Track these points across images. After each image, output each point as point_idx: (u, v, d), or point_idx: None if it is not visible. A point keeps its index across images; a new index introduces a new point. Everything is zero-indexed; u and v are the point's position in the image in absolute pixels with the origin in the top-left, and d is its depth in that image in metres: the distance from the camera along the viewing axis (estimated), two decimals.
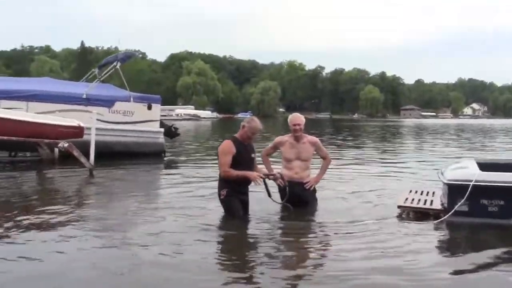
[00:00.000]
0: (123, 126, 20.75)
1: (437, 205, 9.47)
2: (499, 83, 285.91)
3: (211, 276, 6.19)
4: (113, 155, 19.02)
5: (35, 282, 5.95)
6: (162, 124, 22.22)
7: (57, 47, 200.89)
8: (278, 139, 10.17)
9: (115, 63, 21.84)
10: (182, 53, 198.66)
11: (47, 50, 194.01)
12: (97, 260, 6.63)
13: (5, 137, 14.72)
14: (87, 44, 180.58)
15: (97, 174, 15.05)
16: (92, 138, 16.12)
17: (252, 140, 9.14)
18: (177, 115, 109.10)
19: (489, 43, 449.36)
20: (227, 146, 8.78)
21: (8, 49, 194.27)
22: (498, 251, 7.30)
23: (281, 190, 9.61)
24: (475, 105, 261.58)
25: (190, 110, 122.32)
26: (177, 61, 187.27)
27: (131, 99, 21.16)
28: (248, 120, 9.05)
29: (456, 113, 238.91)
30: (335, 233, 8.20)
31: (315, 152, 10.05)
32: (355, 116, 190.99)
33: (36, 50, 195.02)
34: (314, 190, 10.06)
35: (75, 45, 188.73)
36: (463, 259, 7.12)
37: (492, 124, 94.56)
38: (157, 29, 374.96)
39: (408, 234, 8.14)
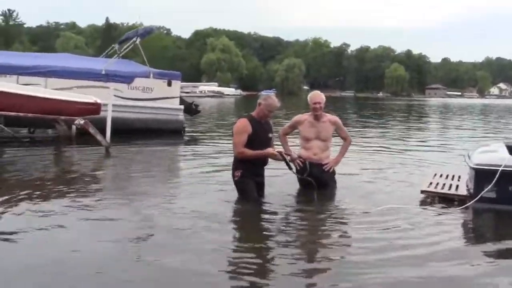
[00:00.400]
0: (142, 102, 20.47)
1: (462, 191, 9.03)
2: None
3: (219, 263, 5.88)
4: (132, 132, 18.83)
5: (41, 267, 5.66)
6: (182, 101, 21.85)
7: (82, 24, 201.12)
8: (297, 117, 9.75)
9: (134, 39, 21.57)
10: (207, 30, 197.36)
11: (72, 26, 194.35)
12: (104, 243, 6.43)
13: (21, 114, 14.44)
14: (112, 21, 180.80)
15: (114, 152, 14.74)
16: (108, 115, 15.83)
17: (270, 118, 8.75)
18: (201, 92, 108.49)
19: None
20: (243, 125, 8.40)
21: (34, 26, 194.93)
22: None
23: (301, 168, 9.17)
24: (502, 85, 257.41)
25: (213, 87, 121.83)
26: (202, 37, 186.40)
27: (151, 75, 20.82)
28: (265, 97, 8.67)
29: (482, 93, 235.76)
30: (353, 220, 7.83)
31: (335, 132, 9.65)
32: (380, 94, 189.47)
33: (62, 27, 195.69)
34: (333, 172, 9.64)
35: (100, 22, 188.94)
36: (487, 248, 6.70)
37: None
38: (181, 5, 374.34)
39: (431, 222, 7.72)
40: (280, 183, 9.56)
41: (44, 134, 18.56)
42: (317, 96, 9.46)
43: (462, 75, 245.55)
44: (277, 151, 8.47)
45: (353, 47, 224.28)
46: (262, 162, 8.54)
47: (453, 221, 7.91)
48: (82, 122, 14.74)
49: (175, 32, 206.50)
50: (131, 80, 20.32)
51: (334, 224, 7.75)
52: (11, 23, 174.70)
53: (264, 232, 7.25)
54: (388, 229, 7.20)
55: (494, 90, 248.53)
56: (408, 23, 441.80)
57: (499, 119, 42.08)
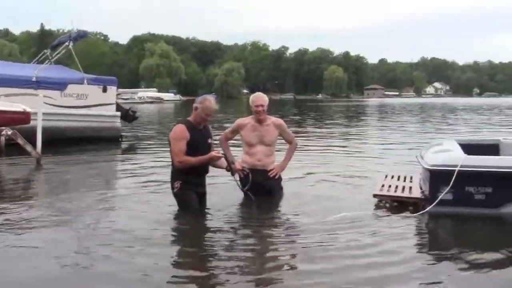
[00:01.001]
0: (77, 110, 19.66)
1: (416, 193, 8.57)
2: (460, 61, 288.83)
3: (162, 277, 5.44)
4: (67, 141, 17.99)
5: None
6: (118, 108, 21.08)
7: (16, 31, 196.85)
8: (238, 121, 9.09)
9: (67, 43, 20.75)
10: (145, 35, 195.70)
11: (5, 33, 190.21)
12: (40, 260, 5.97)
13: None
14: (47, 27, 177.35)
15: (46, 163, 13.94)
16: (38, 123, 14.84)
17: (208, 123, 8.06)
18: (140, 98, 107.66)
19: (452, 22, 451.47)
20: (180, 131, 7.69)
21: None
22: (486, 246, 6.51)
23: (244, 179, 8.57)
24: (437, 84, 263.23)
25: (152, 93, 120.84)
26: (140, 43, 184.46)
27: (85, 81, 20.00)
28: (201, 100, 7.91)
29: (419, 92, 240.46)
30: (300, 228, 7.28)
31: (280, 136, 9.02)
32: (319, 96, 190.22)
33: None
34: (280, 178, 9.03)
35: (35, 28, 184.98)
36: (446, 257, 6.13)
37: (454, 103, 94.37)
38: (119, 11, 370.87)
39: (384, 228, 7.20)
40: (222, 191, 8.89)
41: None
42: (260, 98, 8.83)
43: (399, 75, 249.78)
44: (221, 153, 7.84)
45: (291, 50, 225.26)
46: (202, 170, 7.89)
47: (409, 227, 7.39)
48: (9, 132, 13.88)
49: (112, 38, 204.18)
50: (64, 87, 19.43)
51: (282, 237, 7.16)
52: None
53: (207, 247, 6.64)
54: (337, 240, 6.65)
55: (430, 89, 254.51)
56: (346, 24, 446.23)
57: (440, 117, 42.30)
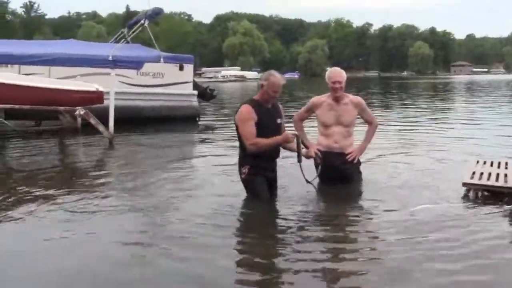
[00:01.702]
0: (153, 89, 19.43)
1: None
2: None
3: (224, 271, 5.00)
4: (143, 121, 17.81)
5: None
6: (196, 86, 20.67)
7: (103, 13, 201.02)
8: (314, 99, 8.33)
9: (142, 21, 20.40)
10: (228, 14, 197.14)
11: (93, 16, 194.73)
12: (103, 244, 5.79)
13: (16, 106, 13.34)
14: (132, 8, 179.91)
15: (120, 144, 13.76)
16: (111, 103, 14.57)
17: (276, 100, 7.32)
18: (223, 76, 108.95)
19: None
20: (246, 112, 7.02)
21: (56, 17, 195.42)
22: None
23: (319, 162, 7.85)
24: None
25: (236, 71, 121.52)
26: (223, 21, 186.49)
27: (161, 59, 19.66)
28: (266, 76, 7.15)
29: (509, 69, 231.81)
30: (381, 222, 6.45)
31: (359, 116, 8.26)
32: (404, 73, 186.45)
33: (83, 16, 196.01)
34: (358, 163, 8.28)
35: (121, 10, 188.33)
36: None
37: None
38: None
39: (475, 225, 6.24)
40: (295, 175, 7.92)
41: (46, 126, 17.34)
42: (336, 73, 8.05)
43: (487, 51, 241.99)
44: (294, 134, 7.13)
45: (376, 27, 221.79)
46: (273, 154, 7.21)
47: (504, 223, 6.41)
48: (82, 112, 13.60)
49: (196, 17, 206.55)
50: (140, 66, 18.94)
51: (358, 227, 6.46)
52: (32, 14, 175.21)
53: (279, 240, 5.97)
54: (421, 237, 5.80)
55: None
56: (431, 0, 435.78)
57: None
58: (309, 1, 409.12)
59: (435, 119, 20.72)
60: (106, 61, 18.10)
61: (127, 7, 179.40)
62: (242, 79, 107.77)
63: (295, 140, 7.12)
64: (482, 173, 8.02)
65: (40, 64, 17.48)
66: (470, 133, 15.09)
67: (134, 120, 17.56)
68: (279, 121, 7.24)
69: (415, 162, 10.29)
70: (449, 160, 10.59)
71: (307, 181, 7.45)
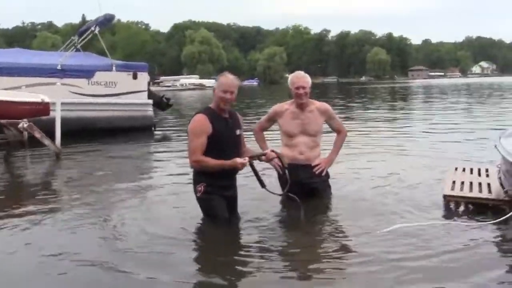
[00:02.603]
0: (105, 99, 18.42)
1: (498, 192, 6.83)
2: (508, 40, 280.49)
3: None
4: (96, 132, 16.82)
5: None
6: (151, 95, 19.72)
7: (59, 23, 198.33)
8: (275, 107, 7.52)
9: (93, 28, 19.41)
10: (185, 23, 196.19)
11: (49, 26, 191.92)
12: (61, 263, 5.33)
13: None
14: (88, 18, 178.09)
15: (68, 157, 12.84)
16: (57, 114, 13.63)
17: (233, 110, 6.46)
18: (182, 85, 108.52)
19: None
20: (199, 122, 6.17)
21: (10, 27, 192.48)
22: None
23: (281, 176, 7.07)
24: (483, 64, 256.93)
25: (194, 79, 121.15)
26: (181, 30, 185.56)
27: (113, 68, 18.73)
28: (217, 78, 6.44)
29: (464, 73, 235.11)
30: (352, 244, 5.71)
31: (325, 123, 7.45)
32: (363, 79, 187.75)
33: (39, 27, 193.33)
34: (327, 175, 7.43)
35: (77, 20, 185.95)
36: None
37: (502, 82, 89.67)
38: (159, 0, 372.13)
39: (458, 243, 5.49)
40: (257, 192, 7.10)
41: None
42: (300, 78, 7.25)
43: (443, 55, 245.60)
44: (247, 160, 6.17)
45: (333, 33, 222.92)
46: (231, 170, 6.29)
47: (490, 240, 5.66)
48: (26, 125, 12.61)
49: (153, 26, 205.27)
50: (91, 75, 18.28)
51: (329, 253, 5.55)
52: None
53: (237, 268, 5.15)
54: (397, 258, 5.10)
55: (476, 69, 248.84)
56: (388, 4, 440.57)
57: (492, 98, 39.74)
58: (266, 8, 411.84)
59: (401, 123, 20.26)
60: (55, 70, 17.38)
61: (83, 17, 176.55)
62: (201, 87, 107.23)
63: (250, 165, 6.34)
64: (463, 182, 7.32)
65: None
66: (441, 138, 14.58)
67: (86, 132, 16.63)
68: (238, 132, 6.39)
69: (388, 171, 9.55)
70: (424, 167, 9.94)
71: (283, 194, 6.75)
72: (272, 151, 6.50)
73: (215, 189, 6.24)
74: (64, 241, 5.97)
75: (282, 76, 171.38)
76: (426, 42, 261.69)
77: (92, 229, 6.46)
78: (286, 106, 7.36)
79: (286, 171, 6.66)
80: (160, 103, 20.35)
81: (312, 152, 7.28)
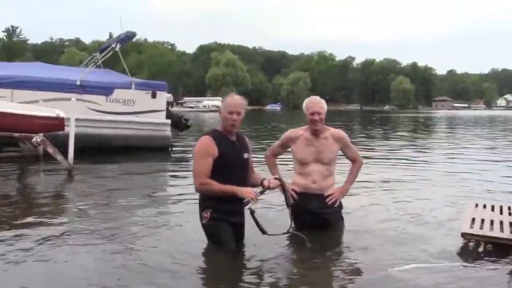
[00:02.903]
0: (123, 117, 18.28)
1: None
2: None
3: None
4: (112, 150, 16.68)
5: None
6: (170, 115, 19.51)
7: (87, 39, 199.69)
8: (289, 133, 7.19)
9: (113, 45, 19.28)
10: (211, 44, 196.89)
11: (76, 42, 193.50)
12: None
13: None
14: (115, 36, 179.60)
15: (81, 174, 12.69)
16: (71, 130, 13.43)
17: (237, 128, 6.08)
18: (205, 106, 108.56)
19: None
20: (205, 145, 5.93)
21: (39, 42, 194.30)
22: None
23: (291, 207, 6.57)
24: (508, 96, 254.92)
25: (217, 101, 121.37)
26: (206, 52, 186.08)
27: (133, 86, 18.62)
28: (223, 99, 6.21)
29: (489, 105, 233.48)
30: (361, 279, 5.47)
31: (340, 152, 7.12)
32: (386, 107, 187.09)
33: (67, 43, 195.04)
34: (340, 206, 7.10)
35: (104, 37, 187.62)
36: None
37: None
38: (185, 20, 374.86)
39: None
40: (270, 218, 6.95)
41: (6, 154, 16.23)
42: (315, 103, 6.94)
43: (468, 86, 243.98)
44: (258, 193, 5.87)
45: (358, 60, 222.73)
46: (237, 197, 5.96)
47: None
48: (39, 139, 12.46)
49: (179, 47, 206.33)
50: (110, 92, 18.19)
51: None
52: (14, 39, 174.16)
53: None
54: None
55: (501, 102, 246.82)
56: (414, 34, 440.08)
57: None
58: (292, 34, 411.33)
59: (422, 154, 19.56)
60: (74, 86, 17.28)
61: (110, 34, 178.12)
62: None
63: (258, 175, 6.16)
64: (483, 220, 6.95)
65: (2, 87, 16.53)
66: (463, 170, 14.10)
67: (102, 150, 16.58)
68: (245, 155, 6.13)
69: (405, 204, 9.24)
70: (443, 201, 9.50)
71: (289, 232, 6.25)
72: (276, 178, 6.19)
73: (222, 215, 5.96)
74: (70, 257, 5.97)
75: None
76: (451, 72, 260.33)
77: (92, 249, 6.30)
78: (301, 132, 7.06)
79: (289, 207, 6.26)
80: (179, 123, 20.15)
81: (326, 181, 6.96)
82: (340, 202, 7.07)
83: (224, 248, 5.98)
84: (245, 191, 5.80)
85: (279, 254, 6.22)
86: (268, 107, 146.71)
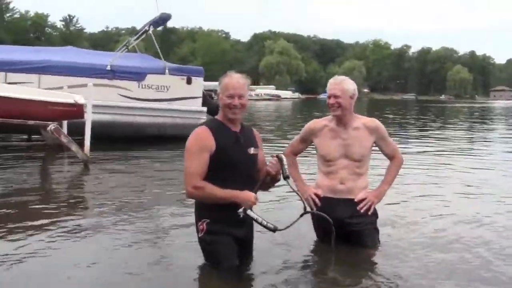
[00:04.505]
0: (156, 104, 17.25)
1: None
2: None
3: None
4: (145, 139, 15.92)
5: None
6: (206, 102, 18.35)
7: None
8: (310, 124, 5.86)
9: (147, 27, 18.25)
10: (265, 33, 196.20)
11: (132, 31, 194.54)
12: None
13: None
14: (170, 25, 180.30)
15: (101, 167, 11.61)
16: (88, 117, 12.41)
17: (241, 115, 4.85)
18: (257, 95, 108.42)
19: None
20: (199, 138, 4.75)
21: (96, 31, 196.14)
22: None
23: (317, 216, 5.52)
24: None
25: (270, 90, 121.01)
26: (260, 40, 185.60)
27: (166, 71, 17.54)
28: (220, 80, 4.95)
29: None
30: None
31: (375, 145, 5.78)
32: (442, 97, 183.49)
33: (123, 31, 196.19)
34: (375, 215, 5.72)
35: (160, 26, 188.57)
36: None
37: None
38: (240, 9, 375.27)
39: None
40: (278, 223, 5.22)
41: (27, 142, 15.52)
42: (333, 84, 5.65)
43: None
44: (252, 198, 4.67)
45: (414, 49, 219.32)
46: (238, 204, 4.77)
47: None
48: (53, 128, 11.47)
49: (233, 35, 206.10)
50: (142, 77, 17.20)
51: None
52: (71, 28, 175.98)
53: None
54: None
55: None
56: (472, 22, 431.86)
57: None
58: (346, 22, 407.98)
59: (481, 150, 16.82)
60: (104, 71, 16.50)
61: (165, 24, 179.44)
62: (277, 98, 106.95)
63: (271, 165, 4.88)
64: None
65: (29, 72, 15.91)
66: None
67: (133, 138, 15.87)
68: (252, 151, 4.87)
69: (461, 215, 7.27)
70: (506, 212, 7.65)
71: (276, 230, 4.83)
72: (276, 156, 4.92)
73: (222, 228, 4.75)
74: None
75: (361, 90, 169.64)
76: (510, 61, 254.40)
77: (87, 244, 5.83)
78: (325, 122, 5.75)
79: (286, 179, 4.94)
80: (216, 111, 18.98)
81: (357, 182, 5.62)
82: (375, 210, 5.70)
83: (221, 266, 4.77)
84: (244, 197, 4.62)
85: (294, 273, 4.96)
86: (322, 96, 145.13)
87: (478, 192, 9.17)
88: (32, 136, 15.93)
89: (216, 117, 4.97)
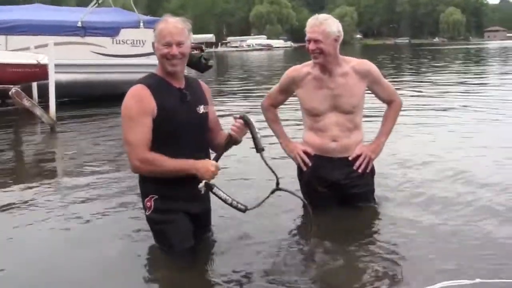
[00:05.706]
0: (132, 59, 16.28)
1: None
2: None
3: None
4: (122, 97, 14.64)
5: None
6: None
7: None
8: (290, 71, 4.81)
9: None
10: None
11: None
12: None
13: None
14: None
15: (68, 128, 10.94)
16: (50, 78, 11.57)
17: (182, 67, 3.97)
18: (249, 45, 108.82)
19: None
20: (136, 100, 3.79)
21: None
22: None
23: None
24: None
25: (261, 40, 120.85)
26: None
27: (141, 24, 16.54)
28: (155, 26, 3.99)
29: None
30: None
31: (368, 90, 4.75)
32: (436, 39, 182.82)
33: None
34: (372, 172, 4.83)
35: None
36: None
37: None
38: None
39: None
40: (250, 198, 4.44)
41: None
42: (312, 26, 4.54)
43: None
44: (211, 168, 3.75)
45: None
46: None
47: None
48: (14, 91, 10.63)
49: None
50: (115, 32, 16.33)
51: None
52: None
53: None
54: None
55: None
56: None
57: None
58: None
59: (490, 97, 14.62)
60: (74, 28, 15.64)
61: None
62: (268, 47, 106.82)
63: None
64: None
65: None
66: None
67: (110, 96, 14.56)
68: (201, 109, 3.97)
69: (461, 172, 6.13)
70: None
71: (246, 209, 3.90)
72: (241, 117, 3.89)
73: (172, 204, 3.88)
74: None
75: (353, 37, 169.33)
76: (503, 1, 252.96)
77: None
78: (307, 69, 4.70)
79: (260, 151, 3.90)
80: (198, 64, 17.93)
81: (350, 137, 4.69)
82: (372, 167, 4.79)
83: (172, 248, 3.96)
84: (203, 168, 3.72)
85: (266, 252, 4.08)
86: None
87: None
88: (7, 100, 15.06)
89: (154, 71, 4.01)
